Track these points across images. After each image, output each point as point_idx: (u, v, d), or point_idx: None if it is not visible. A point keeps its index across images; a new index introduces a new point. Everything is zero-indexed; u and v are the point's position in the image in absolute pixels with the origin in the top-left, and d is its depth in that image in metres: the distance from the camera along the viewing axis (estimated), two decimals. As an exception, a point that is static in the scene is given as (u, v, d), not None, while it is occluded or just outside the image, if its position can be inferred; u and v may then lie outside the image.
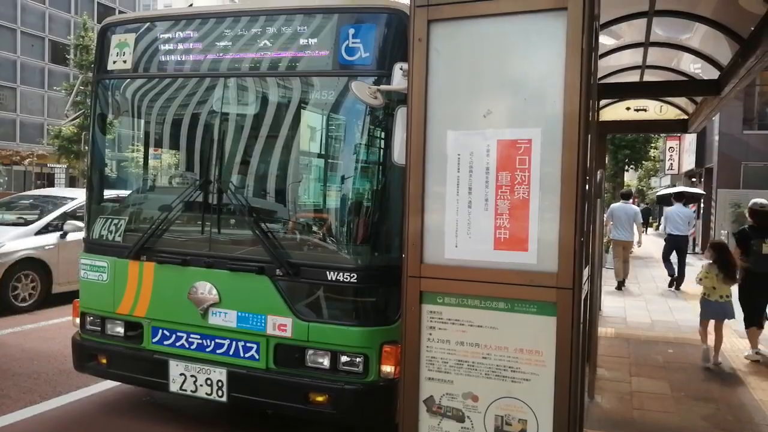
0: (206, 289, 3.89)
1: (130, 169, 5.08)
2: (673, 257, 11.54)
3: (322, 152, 4.20)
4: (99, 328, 4.35)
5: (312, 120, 4.13)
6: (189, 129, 4.27)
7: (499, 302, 2.49)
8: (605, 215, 11.11)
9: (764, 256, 6.28)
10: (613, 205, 11.70)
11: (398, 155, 3.44)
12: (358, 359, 3.60)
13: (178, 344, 4.03)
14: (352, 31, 3.60)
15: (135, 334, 4.20)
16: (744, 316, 6.62)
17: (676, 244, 11.46)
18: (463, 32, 2.56)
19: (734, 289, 6.51)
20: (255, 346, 3.81)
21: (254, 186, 4.13)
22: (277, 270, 3.70)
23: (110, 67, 4.35)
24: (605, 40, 6.35)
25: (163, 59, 4.18)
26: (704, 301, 6.39)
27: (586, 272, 2.74)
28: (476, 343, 2.53)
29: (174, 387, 3.97)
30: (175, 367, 3.96)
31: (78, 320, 4.47)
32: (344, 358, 3.63)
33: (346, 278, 3.57)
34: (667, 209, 13.04)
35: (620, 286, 11.19)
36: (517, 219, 2.45)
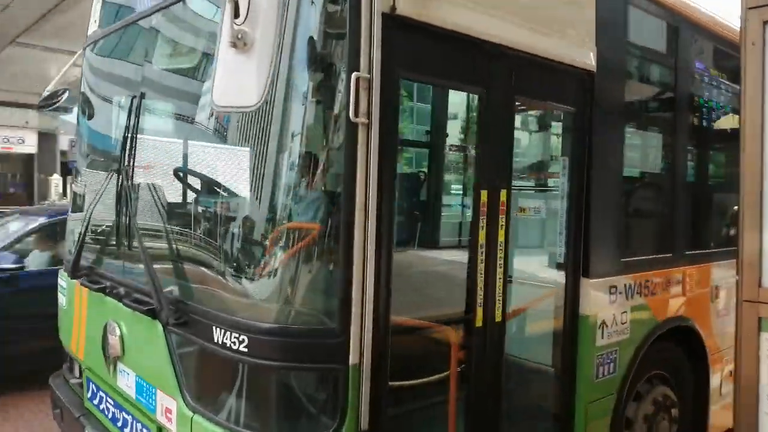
0: (113, 333, 2.72)
1: (81, 172, 3.98)
2: None
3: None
4: (68, 365, 3.51)
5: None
6: (105, 122, 3.40)
7: None
8: None
9: None
10: None
11: (220, 95, 2.08)
12: None
13: (101, 407, 2.98)
14: None
15: (79, 382, 3.26)
16: None
17: None
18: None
19: None
20: None
21: (158, 186, 2.89)
22: (164, 314, 2.33)
23: None
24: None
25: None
26: None
27: None
28: (831, 377, 2.25)
29: None
30: None
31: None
32: None
33: (234, 343, 2.04)
34: None
35: None
36: None
